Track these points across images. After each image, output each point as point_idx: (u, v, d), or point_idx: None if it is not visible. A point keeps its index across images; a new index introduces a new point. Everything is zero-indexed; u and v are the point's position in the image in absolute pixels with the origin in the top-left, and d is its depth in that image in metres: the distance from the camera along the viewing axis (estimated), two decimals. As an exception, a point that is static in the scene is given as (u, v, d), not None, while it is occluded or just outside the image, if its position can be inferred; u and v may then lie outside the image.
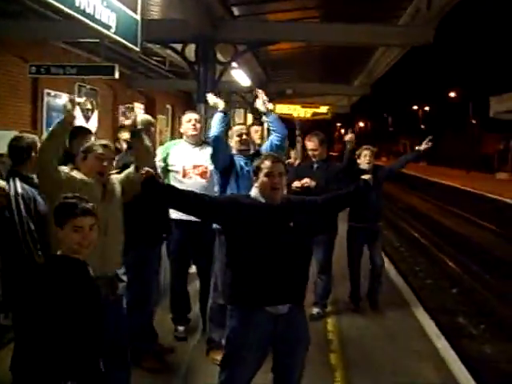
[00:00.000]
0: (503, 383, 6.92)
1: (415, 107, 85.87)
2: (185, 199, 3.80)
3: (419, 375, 5.36)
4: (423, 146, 7.22)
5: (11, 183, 4.37)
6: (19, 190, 4.33)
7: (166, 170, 5.64)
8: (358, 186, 4.01)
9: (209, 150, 5.23)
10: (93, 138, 5.75)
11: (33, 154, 4.50)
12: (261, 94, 5.07)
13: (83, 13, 5.00)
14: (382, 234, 7.64)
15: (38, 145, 4.51)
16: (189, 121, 5.63)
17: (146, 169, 3.63)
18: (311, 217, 3.87)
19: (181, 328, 5.88)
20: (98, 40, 10.63)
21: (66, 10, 4.70)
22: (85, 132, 5.83)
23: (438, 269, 12.96)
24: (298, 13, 11.92)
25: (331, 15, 12.32)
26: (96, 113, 14.91)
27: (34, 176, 4.35)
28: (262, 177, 3.71)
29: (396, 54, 14.45)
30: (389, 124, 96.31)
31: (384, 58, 16.05)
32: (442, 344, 6.20)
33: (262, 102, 5.06)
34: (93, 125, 14.27)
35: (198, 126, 5.65)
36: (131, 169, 4.33)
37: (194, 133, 5.59)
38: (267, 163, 3.72)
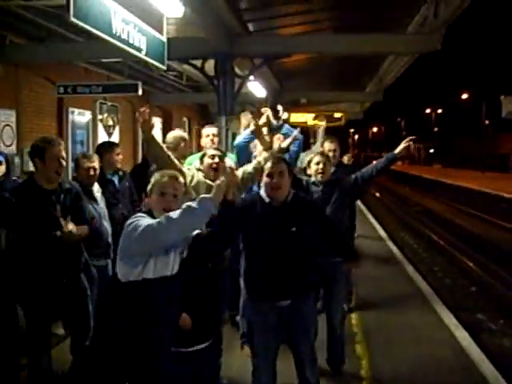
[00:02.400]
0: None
1: (428, 110, 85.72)
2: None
3: (440, 361, 5.70)
4: (399, 148, 5.47)
5: None
6: None
7: None
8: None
9: (228, 161, 5.60)
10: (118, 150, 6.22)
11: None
12: (267, 111, 5.43)
13: (119, 38, 5.47)
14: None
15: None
16: (207, 136, 6.02)
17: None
18: (314, 224, 4.14)
19: None
20: (119, 59, 11.14)
21: (105, 36, 5.14)
22: (111, 146, 6.34)
23: (456, 268, 13.19)
24: (310, 26, 12.30)
25: (342, 27, 12.71)
26: (117, 128, 15.42)
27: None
28: (264, 177, 4.04)
29: (406, 60, 14.77)
30: (402, 128, 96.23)
31: (394, 64, 16.37)
32: (460, 333, 6.53)
33: (270, 118, 5.47)
34: (115, 140, 14.76)
35: (216, 140, 6.02)
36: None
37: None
38: (268, 164, 4.05)
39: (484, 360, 5.81)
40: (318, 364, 4.29)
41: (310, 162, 5.38)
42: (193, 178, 4.73)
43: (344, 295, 5.88)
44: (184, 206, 3.25)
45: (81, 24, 4.64)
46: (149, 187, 3.57)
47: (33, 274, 4.38)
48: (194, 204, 3.22)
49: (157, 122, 18.92)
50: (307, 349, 4.16)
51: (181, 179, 3.60)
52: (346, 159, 10.25)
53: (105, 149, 6.10)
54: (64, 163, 4.50)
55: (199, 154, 6.01)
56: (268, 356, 4.07)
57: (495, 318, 9.43)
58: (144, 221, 3.32)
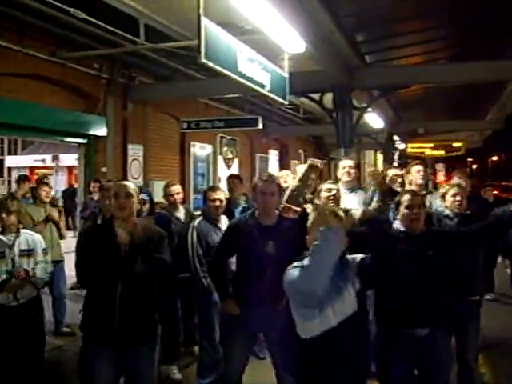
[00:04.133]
0: None
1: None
2: None
3: None
4: None
5: None
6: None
7: None
8: None
9: (362, 194, 5.70)
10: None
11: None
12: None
13: (244, 76, 5.75)
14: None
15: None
16: (343, 167, 6.13)
17: None
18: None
19: None
20: (240, 95, 11.57)
21: (231, 75, 5.42)
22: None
23: None
24: (425, 56, 12.17)
25: (458, 55, 12.47)
26: (236, 161, 15.93)
27: None
28: (402, 209, 4.13)
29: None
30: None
31: (516, 92, 15.78)
32: None
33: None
34: (234, 171, 15.25)
35: (352, 171, 6.10)
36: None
37: (348, 179, 6.05)
38: (407, 196, 4.15)
39: None
40: None
41: (445, 194, 5.21)
42: None
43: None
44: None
45: (211, 64, 4.93)
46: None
47: None
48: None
49: (273, 154, 19.34)
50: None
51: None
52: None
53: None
54: None
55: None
56: None
57: None
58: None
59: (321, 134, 18.92)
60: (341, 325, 3.17)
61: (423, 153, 20.39)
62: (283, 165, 18.78)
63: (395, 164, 15.99)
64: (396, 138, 18.95)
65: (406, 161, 19.64)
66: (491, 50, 11.73)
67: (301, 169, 5.96)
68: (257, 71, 6.09)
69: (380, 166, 20.99)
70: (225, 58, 5.26)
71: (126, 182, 4.02)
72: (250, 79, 5.89)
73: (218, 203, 5.62)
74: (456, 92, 15.67)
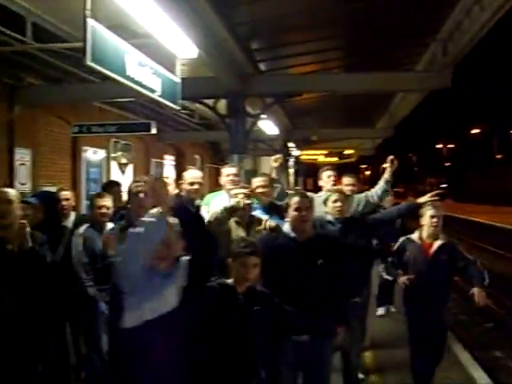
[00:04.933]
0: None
1: (439, 145, 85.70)
2: None
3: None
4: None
5: None
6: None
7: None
8: None
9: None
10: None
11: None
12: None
13: (133, 80, 5.60)
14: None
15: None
16: (227, 175, 5.98)
17: None
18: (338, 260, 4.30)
19: None
20: (133, 99, 11.32)
21: (120, 78, 5.27)
22: (114, 185, 6.50)
23: (472, 304, 13.03)
24: (321, 65, 12.48)
25: (352, 65, 12.91)
26: (131, 166, 15.59)
27: None
28: (291, 211, 4.24)
29: (416, 97, 14.90)
30: (414, 163, 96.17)
31: (405, 101, 16.52)
32: (478, 374, 6.45)
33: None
34: (128, 177, 14.92)
35: (236, 179, 5.96)
36: None
37: (231, 187, 5.94)
38: (296, 198, 4.23)
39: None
40: None
41: (326, 200, 5.37)
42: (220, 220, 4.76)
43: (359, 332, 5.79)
44: None
45: (97, 67, 4.77)
46: None
47: None
48: None
49: (169, 159, 19.12)
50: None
51: None
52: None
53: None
54: None
55: (216, 193, 6.03)
56: None
57: (512, 355, 9.29)
58: None
59: (217, 139, 18.93)
60: (155, 320, 3.30)
61: (317, 159, 20.90)
62: (179, 170, 18.60)
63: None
64: (291, 144, 19.29)
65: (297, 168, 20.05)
66: (383, 62, 12.24)
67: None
68: (147, 75, 5.97)
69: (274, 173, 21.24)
70: (112, 61, 5.11)
71: (5, 189, 3.88)
72: (139, 83, 5.76)
73: (104, 210, 5.46)
74: (349, 101, 16.19)
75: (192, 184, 5.69)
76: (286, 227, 4.25)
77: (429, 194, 5.51)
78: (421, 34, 10.83)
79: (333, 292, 4.14)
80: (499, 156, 59.45)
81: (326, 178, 6.26)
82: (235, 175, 5.96)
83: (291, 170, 23.75)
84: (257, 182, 5.57)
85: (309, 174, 34.66)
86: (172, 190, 5.91)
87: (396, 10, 9.05)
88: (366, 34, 10.42)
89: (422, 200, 5.44)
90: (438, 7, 9.17)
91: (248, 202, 4.80)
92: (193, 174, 5.79)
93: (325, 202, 5.37)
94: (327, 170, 6.41)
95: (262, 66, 11.11)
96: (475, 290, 5.14)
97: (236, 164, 6.84)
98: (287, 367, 4.11)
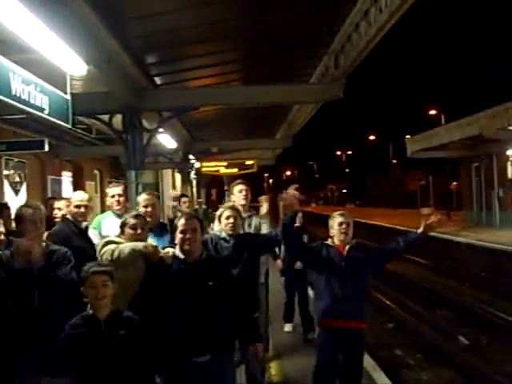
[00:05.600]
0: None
1: (338, 152, 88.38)
2: None
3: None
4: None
5: None
6: None
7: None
8: None
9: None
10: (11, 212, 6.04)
11: None
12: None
13: (19, 99, 5.37)
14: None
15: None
16: (112, 196, 5.84)
17: None
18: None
19: None
20: (24, 115, 10.88)
21: (3, 98, 5.03)
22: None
23: (373, 305, 13.50)
24: (218, 78, 12.50)
25: (250, 78, 13.04)
26: (25, 184, 14.94)
27: None
28: (178, 233, 4.23)
29: (311, 108, 15.22)
30: (314, 171, 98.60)
31: (301, 112, 16.86)
32: (377, 374, 6.65)
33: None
34: (22, 196, 14.29)
35: (122, 199, 5.84)
36: None
37: (118, 207, 5.79)
38: (182, 221, 4.21)
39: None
40: None
41: (220, 217, 5.29)
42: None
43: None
44: None
45: (-24, 86, 4.53)
46: None
47: None
48: None
49: (67, 175, 18.51)
50: None
51: None
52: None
53: None
54: None
55: (105, 215, 5.84)
56: None
57: (413, 353, 9.67)
58: None
59: (116, 154, 18.50)
60: None
61: (218, 171, 20.97)
62: (78, 187, 18.04)
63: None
64: (191, 157, 19.22)
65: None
66: (279, 74, 12.45)
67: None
68: (33, 94, 5.73)
69: (179, 186, 21.10)
70: (-6, 80, 4.88)
71: None
72: (25, 102, 5.52)
73: None
74: (248, 113, 16.35)
75: (78, 207, 5.53)
76: (176, 249, 4.23)
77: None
78: (314, 47, 11.10)
79: (230, 311, 4.16)
80: (395, 161, 61.99)
81: (238, 193, 6.11)
82: (120, 195, 5.82)
83: (194, 182, 23.64)
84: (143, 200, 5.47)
85: (212, 185, 34.92)
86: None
87: (291, 24, 9.22)
88: (262, 46, 10.57)
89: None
90: (331, 21, 9.44)
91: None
92: (79, 197, 5.63)
93: (219, 218, 5.32)
94: (238, 184, 6.21)
95: (158, 80, 10.98)
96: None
97: (120, 183, 6.68)
98: None
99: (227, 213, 5.26)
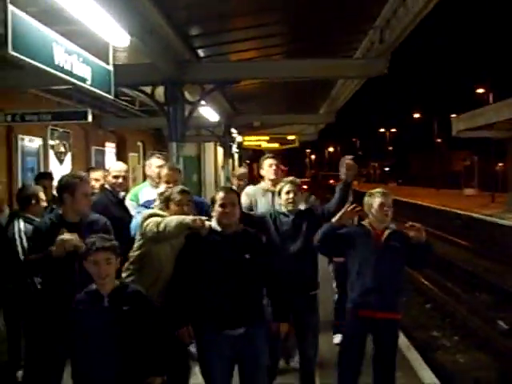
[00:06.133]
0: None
1: (382, 129, 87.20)
2: None
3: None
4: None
5: (15, 222, 5.35)
6: (22, 227, 5.28)
7: None
8: None
9: None
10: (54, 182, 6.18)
11: (33, 201, 5.48)
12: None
13: (62, 69, 5.42)
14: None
15: (40, 194, 5.17)
16: (159, 167, 5.80)
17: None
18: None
19: None
20: (68, 86, 11.00)
21: (46, 68, 5.09)
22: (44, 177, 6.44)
23: (412, 286, 13.40)
24: (260, 51, 12.41)
25: (292, 52, 12.89)
26: (69, 154, 15.19)
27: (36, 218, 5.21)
28: (216, 207, 4.23)
29: (355, 83, 15.03)
30: (357, 147, 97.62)
31: (345, 87, 16.65)
32: (411, 354, 6.59)
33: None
34: (67, 166, 14.54)
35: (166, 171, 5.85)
36: None
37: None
38: (221, 194, 4.23)
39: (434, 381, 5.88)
40: None
41: (280, 192, 5.20)
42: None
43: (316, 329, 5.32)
44: None
45: (21, 57, 4.58)
46: None
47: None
48: None
49: (110, 147, 18.75)
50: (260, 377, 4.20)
51: None
52: None
53: None
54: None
55: (142, 186, 5.88)
56: None
57: (449, 335, 9.59)
58: None
59: (159, 126, 18.63)
60: None
61: (260, 145, 20.95)
62: (121, 158, 18.27)
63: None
64: (233, 130, 19.23)
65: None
66: (323, 49, 12.29)
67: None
68: (76, 64, 5.77)
69: (220, 160, 21.13)
70: (38, 50, 4.91)
71: None
72: (68, 73, 5.57)
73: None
74: (291, 87, 16.23)
75: (117, 177, 5.57)
76: (213, 222, 4.24)
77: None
78: (359, 22, 10.89)
79: (262, 286, 4.18)
80: (439, 140, 60.85)
81: (268, 167, 5.92)
82: (160, 166, 5.78)
83: (236, 156, 23.71)
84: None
85: (254, 159, 34.94)
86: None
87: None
88: (306, 20, 10.40)
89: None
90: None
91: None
92: (117, 168, 5.67)
93: (278, 193, 5.22)
94: (268, 158, 6.03)
95: (201, 53, 10.95)
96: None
97: (162, 155, 6.62)
98: (222, 362, 4.08)
99: (287, 187, 5.18)
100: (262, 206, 5.76)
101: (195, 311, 4.12)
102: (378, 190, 4.89)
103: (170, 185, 5.22)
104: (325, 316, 6.20)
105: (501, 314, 10.55)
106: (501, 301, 11.67)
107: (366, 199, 4.81)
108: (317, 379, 5.27)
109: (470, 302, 11.48)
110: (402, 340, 7.16)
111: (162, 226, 4.33)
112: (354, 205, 4.80)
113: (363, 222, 4.84)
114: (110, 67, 6.98)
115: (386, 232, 4.73)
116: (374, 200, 4.73)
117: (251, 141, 20.94)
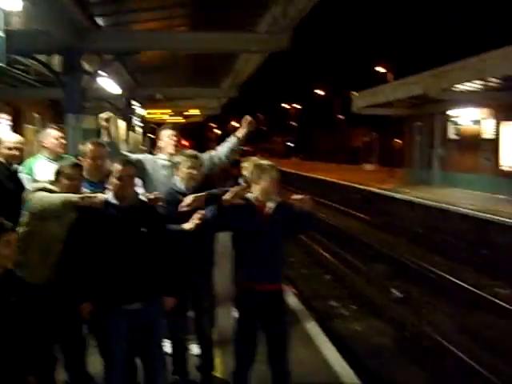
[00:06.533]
0: (374, 354, 7.59)
1: (286, 105, 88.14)
2: None
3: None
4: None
5: None
6: None
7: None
8: None
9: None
10: None
11: None
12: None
13: None
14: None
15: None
16: (56, 138, 5.39)
17: None
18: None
19: None
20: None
21: None
22: None
23: (312, 258, 13.76)
24: (164, 22, 12.19)
25: (196, 25, 12.73)
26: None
27: None
28: (113, 179, 4.10)
29: (259, 57, 15.03)
30: (261, 122, 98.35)
31: (248, 62, 16.63)
32: (310, 324, 6.77)
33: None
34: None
35: (64, 142, 5.55)
36: None
37: (62, 150, 5.47)
38: (118, 167, 4.10)
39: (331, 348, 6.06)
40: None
41: (179, 165, 4.83)
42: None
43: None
44: None
45: None
46: None
47: None
48: None
49: (5, 118, 17.84)
50: (156, 352, 4.18)
51: None
52: None
53: None
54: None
55: (35, 158, 5.59)
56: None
57: (347, 305, 9.95)
58: None
59: (55, 97, 17.86)
60: None
61: (163, 119, 20.66)
62: (16, 130, 17.43)
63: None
64: (134, 103, 18.80)
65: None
66: (228, 22, 12.19)
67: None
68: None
69: (122, 133, 20.65)
70: None
71: None
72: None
73: None
74: (194, 60, 16.07)
75: (10, 149, 5.28)
76: (110, 195, 4.12)
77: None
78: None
79: (160, 261, 4.12)
80: (341, 116, 62.42)
81: (167, 139, 5.38)
82: (63, 138, 5.55)
83: (139, 129, 23.24)
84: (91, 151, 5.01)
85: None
86: None
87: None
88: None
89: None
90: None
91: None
92: (12, 138, 5.37)
93: (177, 167, 4.86)
94: (167, 128, 5.53)
95: (101, 21, 10.56)
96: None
97: (58, 126, 6.24)
98: (120, 333, 4.02)
99: (190, 163, 4.81)
100: (161, 182, 5.40)
101: (93, 286, 4.01)
102: (266, 162, 4.62)
103: (98, 161, 4.86)
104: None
105: (394, 283, 11.06)
106: (395, 270, 12.23)
107: (255, 172, 4.51)
108: (216, 353, 5.25)
109: (368, 273, 11.93)
110: (302, 311, 7.35)
111: (45, 203, 4.14)
112: (245, 185, 4.69)
113: (248, 196, 4.52)
114: (1, 33, 6.58)
115: (271, 205, 4.52)
116: (265, 174, 4.45)
117: (155, 114, 20.61)
